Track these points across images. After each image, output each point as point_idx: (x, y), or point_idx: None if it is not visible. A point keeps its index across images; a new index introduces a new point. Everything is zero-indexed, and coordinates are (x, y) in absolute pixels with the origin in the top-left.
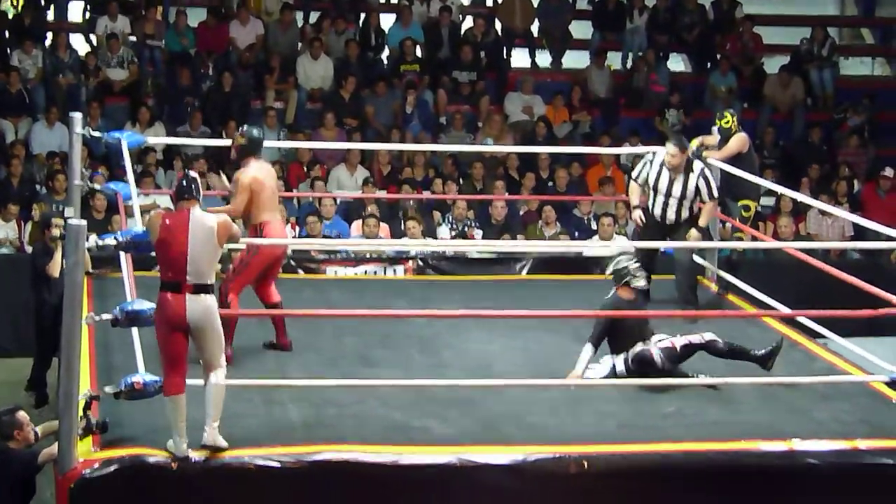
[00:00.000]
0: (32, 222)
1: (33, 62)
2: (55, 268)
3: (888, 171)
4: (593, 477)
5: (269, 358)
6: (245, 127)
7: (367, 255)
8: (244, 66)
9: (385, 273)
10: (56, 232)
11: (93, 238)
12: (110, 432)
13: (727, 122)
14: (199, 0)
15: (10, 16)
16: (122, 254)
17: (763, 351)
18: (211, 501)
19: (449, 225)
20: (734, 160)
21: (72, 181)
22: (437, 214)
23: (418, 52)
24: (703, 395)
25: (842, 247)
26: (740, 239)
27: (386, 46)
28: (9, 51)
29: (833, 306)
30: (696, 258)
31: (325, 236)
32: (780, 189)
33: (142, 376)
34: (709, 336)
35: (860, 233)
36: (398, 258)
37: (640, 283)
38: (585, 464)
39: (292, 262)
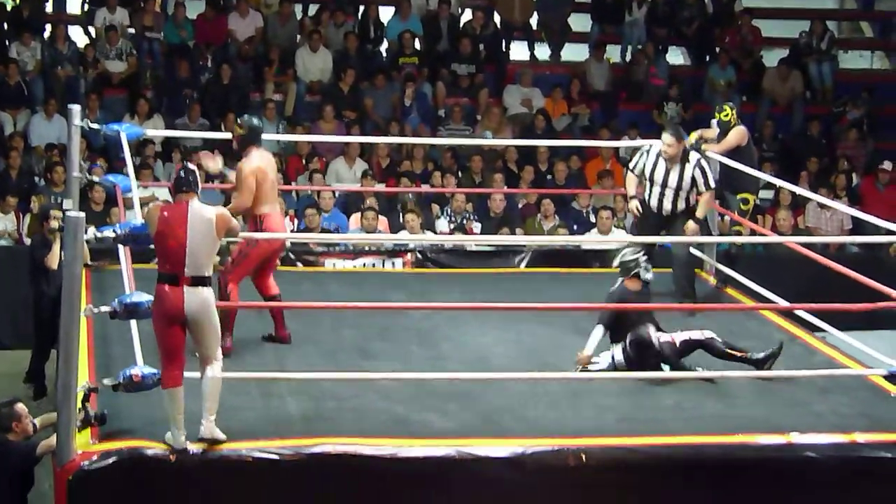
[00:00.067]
0: (31, 214)
1: (32, 54)
2: (54, 260)
3: (887, 165)
4: (592, 470)
5: (267, 350)
6: (244, 116)
7: (366, 248)
8: (243, 58)
9: (384, 266)
10: (54, 224)
11: (91, 230)
12: (109, 424)
13: (726, 116)
14: None
15: (9, 8)
16: (120, 246)
17: (761, 355)
18: (209, 494)
19: (448, 218)
20: (733, 153)
21: (70, 173)
22: (435, 207)
23: (417, 45)
24: (701, 388)
25: (840, 240)
26: (739, 232)
27: (385, 39)
28: (7, 43)
29: (832, 300)
30: (694, 251)
31: (323, 229)
32: (778, 182)
33: (140, 369)
34: (708, 334)
35: (859, 226)
36: (397, 251)
37: (648, 275)
38: (584, 457)
39: (291, 255)
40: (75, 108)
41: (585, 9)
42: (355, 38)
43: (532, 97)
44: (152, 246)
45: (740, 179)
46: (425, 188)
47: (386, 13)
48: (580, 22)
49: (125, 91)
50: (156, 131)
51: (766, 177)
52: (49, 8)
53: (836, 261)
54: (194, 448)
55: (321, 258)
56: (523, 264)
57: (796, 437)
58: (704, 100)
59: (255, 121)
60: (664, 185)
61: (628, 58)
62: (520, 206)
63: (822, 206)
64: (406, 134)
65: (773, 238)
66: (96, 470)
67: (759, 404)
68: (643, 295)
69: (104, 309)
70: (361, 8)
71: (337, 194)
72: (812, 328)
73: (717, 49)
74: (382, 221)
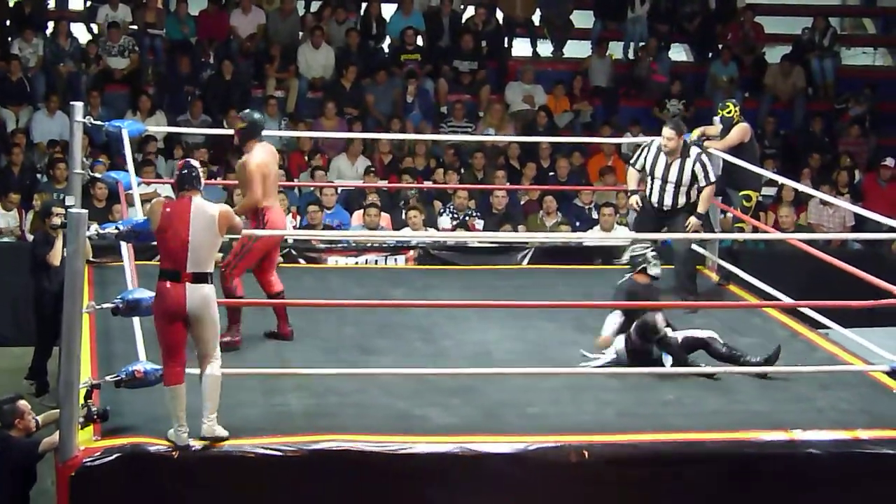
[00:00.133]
0: (33, 211)
1: (34, 50)
2: (56, 256)
3: (889, 161)
4: (594, 466)
5: (269, 347)
6: (246, 110)
7: (369, 245)
8: (245, 54)
9: (386, 262)
10: (56, 220)
11: (93, 227)
12: (111, 421)
13: (729, 112)
14: None
15: (11, 4)
16: (122, 243)
17: (759, 358)
18: (211, 490)
19: (450, 214)
20: (736, 150)
21: (72, 170)
22: (437, 204)
23: (419, 41)
24: (703, 384)
25: (842, 237)
26: (741, 229)
27: (387, 35)
28: (9, 39)
29: (834, 296)
30: (696, 247)
31: (326, 226)
32: (781, 179)
33: (143, 365)
34: (709, 334)
35: (861, 222)
36: (399, 248)
37: (656, 269)
38: (586, 453)
39: (293, 252)
40: (77, 105)
41: (588, 5)
42: (357, 34)
43: (534, 94)
44: (154, 242)
45: (743, 176)
46: (427, 185)
47: (388, 9)
48: (582, 18)
49: (127, 87)
50: (158, 128)
51: (768, 173)
52: (51, 4)
53: (837, 257)
54: (196, 444)
55: (324, 255)
56: (525, 261)
57: (798, 434)
58: (706, 96)
59: (256, 115)
60: (664, 179)
61: (630, 54)
62: (522, 202)
63: (824, 202)
64: (408, 130)
65: (775, 234)
66: (98, 466)
67: (760, 400)
68: (651, 289)
69: (106, 305)
70: (363, 4)
71: (339, 191)
72: (814, 324)
73: (720, 45)
74: (385, 218)
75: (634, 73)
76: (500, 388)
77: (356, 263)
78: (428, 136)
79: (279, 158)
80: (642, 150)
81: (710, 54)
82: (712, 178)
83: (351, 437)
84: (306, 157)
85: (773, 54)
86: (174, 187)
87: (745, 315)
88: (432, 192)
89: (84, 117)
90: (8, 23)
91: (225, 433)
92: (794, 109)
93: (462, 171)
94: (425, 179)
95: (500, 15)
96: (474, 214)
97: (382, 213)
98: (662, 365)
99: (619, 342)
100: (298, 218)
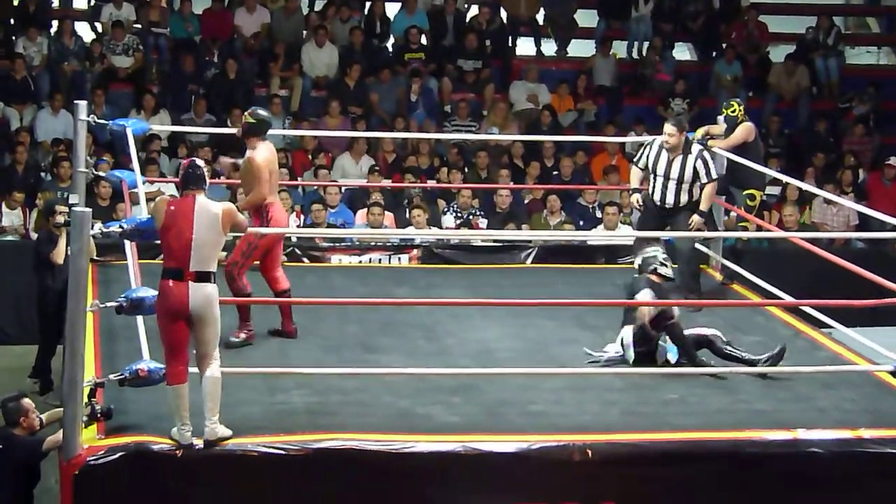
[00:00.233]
0: (37, 210)
1: (38, 49)
2: (59, 255)
3: (893, 160)
4: (597, 465)
5: (273, 345)
6: (255, 108)
7: (372, 244)
8: (249, 53)
9: (390, 261)
10: (60, 219)
11: (97, 225)
12: (115, 419)
13: (734, 111)
14: None
15: (16, 2)
16: (126, 241)
17: (765, 356)
18: (215, 489)
19: (454, 213)
20: (740, 149)
21: (76, 168)
22: (441, 203)
23: (423, 40)
24: (706, 383)
25: (846, 236)
26: (745, 228)
27: (391, 34)
28: (14, 38)
29: (837, 295)
30: (699, 246)
31: (329, 224)
32: (785, 178)
33: (146, 364)
34: (712, 332)
35: (865, 222)
36: (403, 246)
37: (667, 271)
38: (589, 452)
39: (297, 251)
40: (81, 104)
41: (592, 4)
42: (361, 33)
43: (538, 93)
44: (158, 241)
45: (746, 175)
46: (431, 184)
47: (392, 8)
48: (586, 17)
49: (131, 86)
50: (162, 126)
51: (772, 172)
52: (55, 3)
53: (841, 256)
54: (200, 443)
55: (327, 253)
56: (529, 260)
57: (801, 433)
58: (710, 95)
59: (265, 113)
60: (666, 176)
61: (635, 53)
62: (526, 201)
63: (828, 201)
64: (412, 129)
65: (779, 233)
66: (102, 465)
67: (764, 399)
68: (662, 289)
69: (110, 304)
70: (367, 3)
71: (343, 190)
72: (818, 324)
73: (724, 44)
74: (388, 217)
75: (638, 72)
76: (503, 387)
77: (360, 262)
78: (432, 134)
79: (282, 157)
80: (645, 148)
81: (714, 53)
82: (714, 175)
83: (353, 436)
84: (310, 156)
85: (777, 53)
86: (178, 186)
87: (749, 314)
88: (436, 191)
89: (88, 116)
90: (12, 21)
91: (228, 432)
92: (798, 108)
93: (466, 169)
94: (429, 178)
95: (504, 14)
96: (478, 213)
97: (386, 212)
98: (667, 356)
99: (627, 333)
100: (302, 216)
